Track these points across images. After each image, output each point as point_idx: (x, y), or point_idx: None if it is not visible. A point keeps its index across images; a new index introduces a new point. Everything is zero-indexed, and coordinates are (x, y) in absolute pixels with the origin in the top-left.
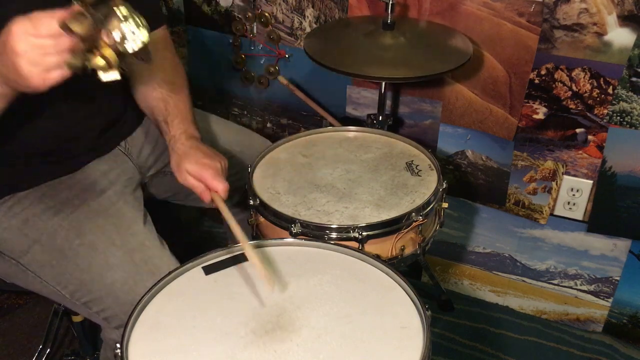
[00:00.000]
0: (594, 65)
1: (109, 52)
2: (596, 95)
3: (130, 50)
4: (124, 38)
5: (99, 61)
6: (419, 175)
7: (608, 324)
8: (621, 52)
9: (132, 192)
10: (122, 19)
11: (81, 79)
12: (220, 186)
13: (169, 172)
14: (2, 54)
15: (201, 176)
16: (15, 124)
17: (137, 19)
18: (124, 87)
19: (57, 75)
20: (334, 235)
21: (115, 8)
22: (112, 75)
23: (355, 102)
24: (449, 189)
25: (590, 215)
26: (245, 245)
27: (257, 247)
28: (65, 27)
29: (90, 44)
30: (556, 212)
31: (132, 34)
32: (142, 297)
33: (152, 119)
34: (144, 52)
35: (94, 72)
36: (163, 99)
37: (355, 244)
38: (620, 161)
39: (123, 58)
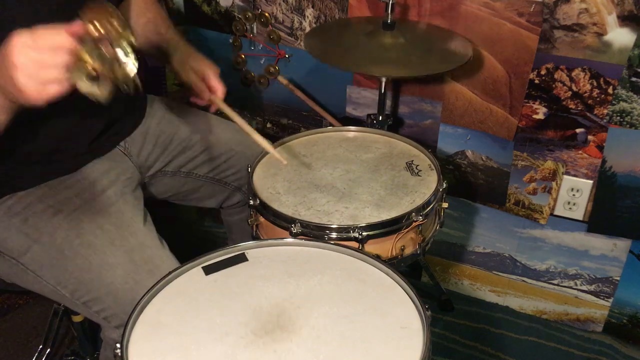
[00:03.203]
0: (594, 65)
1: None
2: (596, 95)
3: (130, 73)
4: (121, 61)
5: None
6: (419, 175)
7: (608, 324)
8: (621, 52)
9: (132, 191)
10: (124, 47)
11: None
12: (220, 87)
13: (169, 172)
14: (2, 66)
15: (204, 73)
16: (15, 124)
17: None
18: None
19: (54, 90)
20: (334, 235)
21: (122, 40)
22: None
23: (355, 102)
24: (449, 189)
25: (590, 215)
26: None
27: (258, 247)
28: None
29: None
30: (556, 212)
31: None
32: (142, 297)
33: (145, 41)
34: (133, 81)
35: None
36: (151, 21)
37: (355, 244)
38: (620, 161)
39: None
